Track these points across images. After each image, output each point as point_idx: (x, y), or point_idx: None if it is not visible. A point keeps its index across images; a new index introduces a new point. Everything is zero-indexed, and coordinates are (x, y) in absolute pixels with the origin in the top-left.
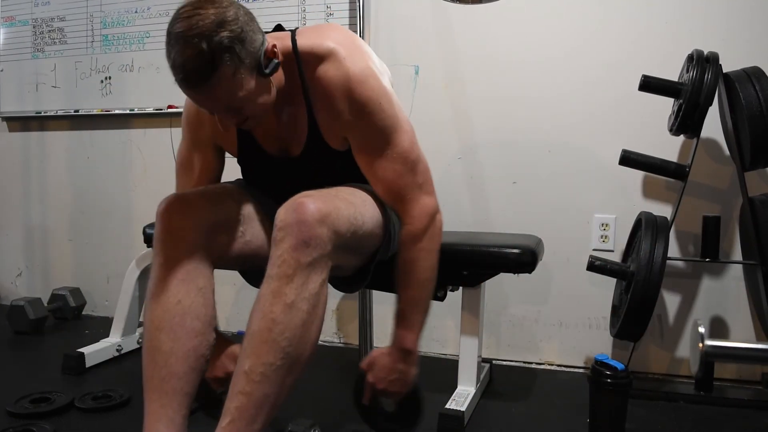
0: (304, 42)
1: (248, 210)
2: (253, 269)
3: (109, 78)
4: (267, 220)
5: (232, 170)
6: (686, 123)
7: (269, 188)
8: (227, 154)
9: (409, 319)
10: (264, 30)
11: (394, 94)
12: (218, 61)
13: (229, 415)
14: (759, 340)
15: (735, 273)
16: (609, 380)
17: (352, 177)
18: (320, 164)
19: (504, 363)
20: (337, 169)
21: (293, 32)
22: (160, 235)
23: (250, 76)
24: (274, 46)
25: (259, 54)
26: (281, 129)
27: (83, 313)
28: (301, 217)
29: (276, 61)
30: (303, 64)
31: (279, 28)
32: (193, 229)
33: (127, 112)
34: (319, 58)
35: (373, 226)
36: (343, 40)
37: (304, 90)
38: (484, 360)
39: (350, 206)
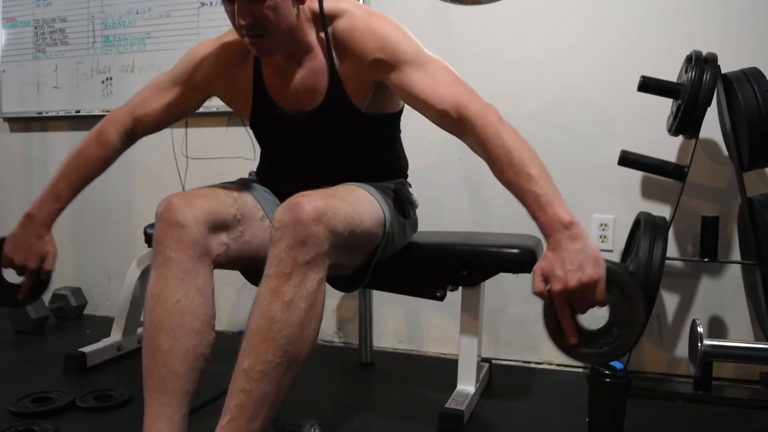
0: (328, 4)
1: (248, 210)
2: (254, 269)
3: (110, 79)
4: (267, 219)
5: (233, 170)
6: (685, 123)
7: (284, 147)
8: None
9: (546, 193)
10: None
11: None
12: None
13: (229, 414)
14: (757, 339)
15: (733, 273)
16: (608, 380)
17: (365, 140)
18: (335, 121)
19: (503, 362)
20: (351, 129)
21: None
22: (160, 236)
23: None
24: None
25: None
26: (302, 83)
27: (84, 312)
28: (298, 217)
29: None
30: (328, 20)
31: None
32: (193, 230)
33: None
34: (338, 15)
35: (371, 225)
36: (360, 4)
37: (328, 44)
38: (484, 359)
39: (347, 205)
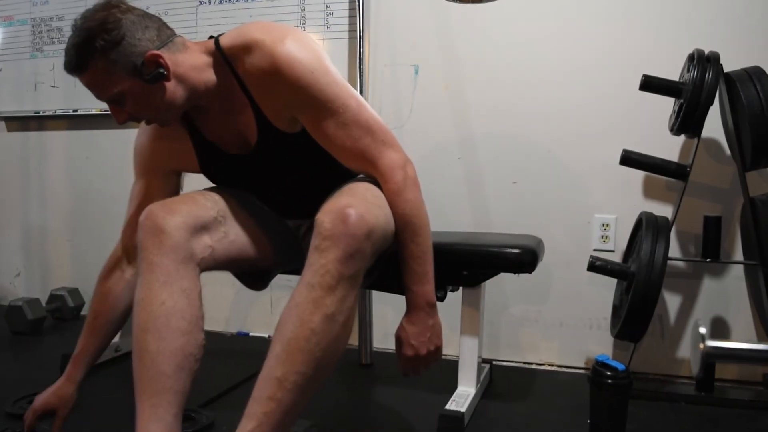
0: (226, 40)
1: (229, 211)
2: (245, 270)
3: None
4: (249, 218)
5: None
6: (687, 123)
7: (243, 188)
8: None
9: (422, 273)
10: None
11: (330, 64)
12: (86, 56)
13: (255, 419)
14: (760, 340)
15: (736, 273)
16: (609, 381)
17: (312, 159)
18: (279, 150)
19: (504, 363)
20: (297, 152)
21: (218, 36)
22: (143, 243)
23: (124, 76)
24: (157, 56)
25: (137, 59)
26: (234, 126)
27: (82, 313)
28: (350, 230)
29: (160, 71)
30: (231, 60)
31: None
32: (174, 234)
33: None
34: (243, 49)
35: (394, 228)
36: (262, 28)
37: (240, 84)
38: (485, 360)
39: (381, 211)
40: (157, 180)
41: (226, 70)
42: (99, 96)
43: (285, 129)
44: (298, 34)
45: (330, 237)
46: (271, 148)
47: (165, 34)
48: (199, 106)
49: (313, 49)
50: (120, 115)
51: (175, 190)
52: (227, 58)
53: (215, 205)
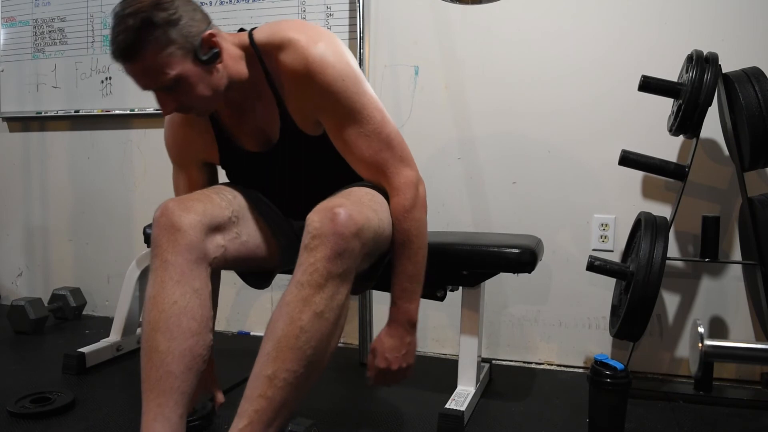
0: (260, 35)
1: (242, 212)
2: (252, 270)
3: (110, 78)
4: (260, 219)
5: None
6: (685, 123)
7: (256, 185)
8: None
9: (411, 291)
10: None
11: (361, 74)
12: (146, 35)
13: (246, 417)
14: (758, 340)
15: (734, 273)
16: (608, 380)
17: (329, 163)
18: (298, 151)
19: (503, 363)
20: (316, 155)
21: (251, 30)
22: (157, 240)
23: (182, 58)
24: (213, 35)
25: (194, 40)
26: (256, 123)
27: (83, 313)
28: (338, 229)
29: (216, 50)
30: (263, 56)
31: (242, 30)
32: (189, 233)
33: (128, 112)
34: (277, 47)
35: (389, 232)
36: (298, 27)
37: (269, 81)
38: (484, 360)
39: (374, 214)
40: (193, 170)
41: (257, 66)
42: (151, 83)
43: (307, 131)
44: (332, 38)
45: (318, 236)
46: (290, 148)
47: (207, 17)
48: (226, 98)
49: (346, 55)
50: (167, 105)
51: (212, 178)
52: (260, 53)
53: (230, 204)
